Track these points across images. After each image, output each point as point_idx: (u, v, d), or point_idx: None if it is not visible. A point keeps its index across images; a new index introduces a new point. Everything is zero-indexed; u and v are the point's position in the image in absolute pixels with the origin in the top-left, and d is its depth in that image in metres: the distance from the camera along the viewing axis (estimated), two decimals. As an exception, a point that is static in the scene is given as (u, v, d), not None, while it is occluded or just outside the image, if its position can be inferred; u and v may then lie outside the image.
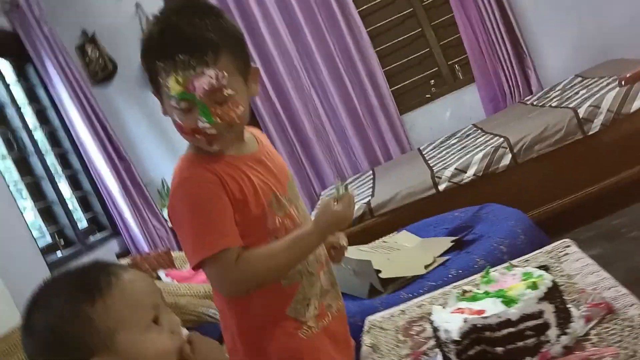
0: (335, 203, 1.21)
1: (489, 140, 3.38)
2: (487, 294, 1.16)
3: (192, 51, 1.12)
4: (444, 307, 1.18)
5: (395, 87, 4.58)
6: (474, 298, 1.16)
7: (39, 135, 3.93)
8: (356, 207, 3.21)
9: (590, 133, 3.00)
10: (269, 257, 1.19)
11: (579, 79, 3.89)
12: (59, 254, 3.46)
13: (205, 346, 0.91)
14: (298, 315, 1.25)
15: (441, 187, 3.14)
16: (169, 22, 1.16)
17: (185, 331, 0.92)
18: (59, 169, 4.03)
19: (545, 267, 1.32)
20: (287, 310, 1.24)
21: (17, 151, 3.56)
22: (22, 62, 4.06)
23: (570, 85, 3.87)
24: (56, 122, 4.11)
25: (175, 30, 1.14)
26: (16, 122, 3.60)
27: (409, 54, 4.59)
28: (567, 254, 1.44)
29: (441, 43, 4.57)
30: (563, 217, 2.93)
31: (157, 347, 0.87)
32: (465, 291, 1.21)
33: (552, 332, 1.04)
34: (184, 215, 1.18)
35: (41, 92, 4.10)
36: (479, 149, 3.25)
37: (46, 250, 3.31)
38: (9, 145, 3.53)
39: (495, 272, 1.22)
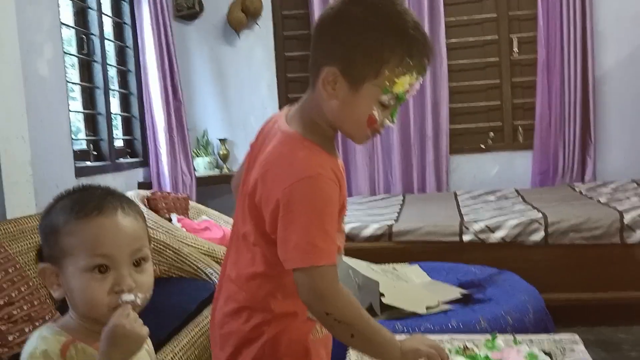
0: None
1: (526, 210, 3.35)
2: (487, 358, 1.16)
3: (432, 59, 1.14)
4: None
5: (455, 126, 4.56)
6: (473, 358, 1.17)
7: (110, 47, 4.00)
8: (377, 227, 3.23)
9: (629, 242, 2.96)
10: (358, 310, 1.11)
11: (635, 185, 3.84)
12: (88, 162, 3.52)
13: (128, 329, 0.87)
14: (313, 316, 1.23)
15: (465, 238, 3.13)
16: (414, 21, 1.12)
17: (131, 298, 0.90)
18: (116, 84, 4.10)
19: (549, 355, 1.32)
20: (308, 312, 1.18)
21: (85, 54, 3.62)
22: (118, -27, 4.14)
23: (623, 188, 3.82)
24: (129, 40, 4.18)
25: (426, 36, 1.13)
26: (94, 28, 3.67)
27: (479, 99, 4.58)
28: (572, 349, 1.44)
29: (514, 101, 4.54)
30: (571, 311, 2.89)
31: (84, 292, 0.90)
32: (466, 347, 1.21)
33: (539, 418, 1.04)
34: (305, 213, 1.08)
35: (125, 8, 4.17)
36: (514, 216, 3.22)
37: (78, 155, 3.37)
38: (80, 46, 3.59)
39: (501, 341, 1.22)
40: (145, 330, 0.90)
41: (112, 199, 0.94)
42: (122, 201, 0.95)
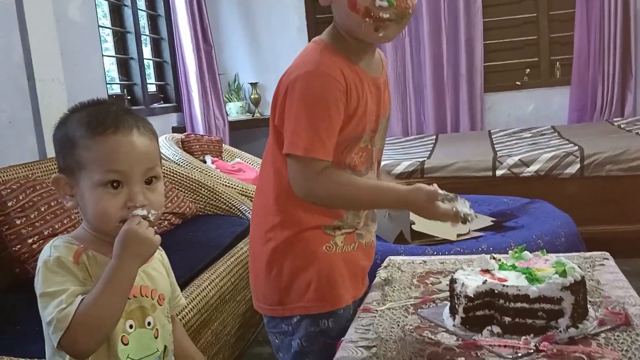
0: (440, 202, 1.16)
1: (562, 144, 3.29)
2: (513, 267, 1.17)
3: None
4: (470, 268, 1.20)
5: (489, 63, 4.46)
6: (501, 267, 1.18)
7: (139, -8, 4.01)
8: (409, 164, 3.22)
9: (667, 172, 2.89)
10: (350, 188, 1.19)
11: (677, 118, 3.72)
12: (122, 107, 3.58)
13: (141, 233, 0.90)
14: (329, 230, 1.27)
15: (499, 173, 3.10)
16: None
17: (143, 213, 0.91)
18: (148, 29, 4.12)
19: (578, 266, 1.32)
20: (323, 226, 1.25)
21: (116, 0, 3.64)
22: None
23: (665, 121, 3.71)
24: (159, -15, 4.17)
25: None
26: (123, -28, 3.68)
27: (515, 35, 4.45)
28: (603, 264, 1.44)
29: (551, 35, 4.40)
30: (608, 243, 2.84)
31: (97, 206, 0.91)
32: (494, 257, 1.22)
33: (564, 322, 1.05)
34: (300, 103, 1.14)
35: (154, -48, 4.15)
36: (549, 149, 3.17)
37: (113, 100, 3.44)
38: (110, -10, 3.62)
39: (528, 252, 1.23)
40: (157, 237, 0.92)
41: (128, 117, 0.95)
42: (137, 120, 0.96)
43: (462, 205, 1.19)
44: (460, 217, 1.17)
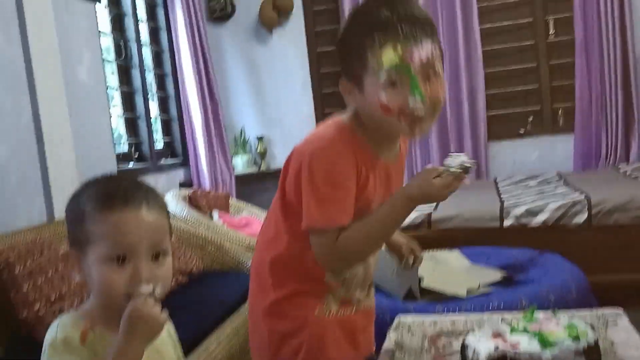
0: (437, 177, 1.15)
1: (568, 193, 3.29)
2: (525, 330, 1.15)
3: (415, 22, 1.12)
4: (479, 329, 1.18)
5: (492, 112, 4.50)
6: (512, 330, 1.16)
7: (147, 52, 4.10)
8: (416, 215, 3.22)
9: (676, 219, 2.88)
10: (363, 233, 1.19)
11: (683, 163, 3.72)
12: (130, 164, 3.62)
13: (146, 313, 0.89)
14: (323, 296, 1.28)
15: (506, 223, 3.09)
16: (387, 3, 1.15)
17: (149, 289, 0.91)
18: (154, 87, 4.20)
19: (591, 326, 1.30)
20: (318, 305, 1.27)
21: (124, 60, 3.72)
22: (152, -21, 4.24)
23: (670, 167, 3.71)
24: (165, 44, 4.27)
25: (395, 4, 1.14)
26: (131, 33, 3.77)
27: (516, 83, 4.51)
28: (616, 323, 1.41)
29: (553, 84, 4.46)
30: (619, 292, 2.82)
31: (103, 281, 0.92)
32: (504, 319, 1.21)
33: (579, 387, 1.03)
34: (316, 177, 1.16)
35: (160, 12, 4.26)
36: (556, 199, 3.17)
37: (120, 158, 3.47)
38: (118, 52, 3.70)
39: (539, 314, 1.22)
40: (164, 315, 0.91)
41: (138, 192, 0.96)
42: (147, 195, 0.97)
43: (454, 160, 1.17)
44: (461, 174, 1.17)
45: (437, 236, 3.16)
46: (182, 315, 2.23)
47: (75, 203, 0.96)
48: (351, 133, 1.20)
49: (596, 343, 1.08)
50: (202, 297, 2.45)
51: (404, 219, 1.23)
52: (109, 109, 3.34)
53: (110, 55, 3.65)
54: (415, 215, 3.24)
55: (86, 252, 0.92)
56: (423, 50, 1.12)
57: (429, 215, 3.22)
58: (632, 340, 1.29)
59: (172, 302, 2.47)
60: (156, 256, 0.95)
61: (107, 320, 0.94)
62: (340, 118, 1.25)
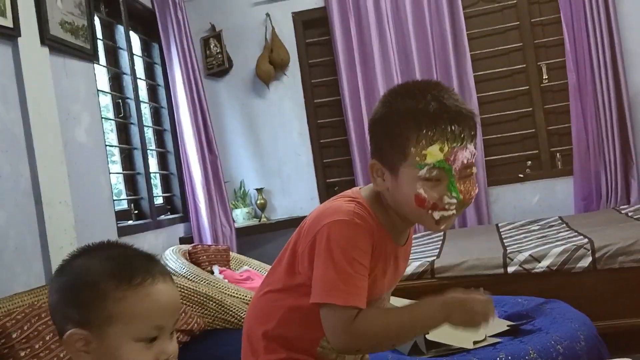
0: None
1: (571, 237, 3.26)
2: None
3: (462, 121, 1.13)
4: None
5: (490, 158, 4.52)
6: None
7: (145, 109, 4.15)
8: (419, 264, 3.19)
9: (682, 261, 2.84)
10: (386, 321, 1.16)
11: (684, 202, 3.71)
12: (129, 222, 3.61)
13: None
14: None
15: (510, 270, 3.05)
16: (434, 95, 1.14)
17: None
18: (153, 144, 4.23)
19: (601, 381, 1.26)
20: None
21: (122, 117, 3.76)
22: (150, 39, 4.32)
23: (672, 206, 3.69)
24: (163, 101, 4.32)
25: (442, 95, 1.14)
26: (129, 92, 3.82)
27: (513, 129, 4.55)
28: (627, 374, 1.38)
29: (549, 128, 4.49)
30: (629, 337, 2.77)
31: None
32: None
33: None
34: (333, 251, 1.13)
35: (158, 70, 4.33)
36: (559, 243, 3.14)
37: (119, 215, 3.46)
38: (117, 110, 3.74)
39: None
40: None
41: (153, 264, 0.92)
42: (160, 265, 0.94)
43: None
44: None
45: (440, 285, 3.11)
46: (183, 377, 2.19)
47: (83, 278, 0.87)
48: (369, 212, 1.19)
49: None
50: (204, 356, 2.40)
51: (432, 326, 1.22)
52: (108, 166, 3.35)
53: (109, 113, 3.69)
54: (418, 263, 3.21)
55: (105, 333, 0.85)
56: (466, 152, 1.13)
57: (432, 263, 3.19)
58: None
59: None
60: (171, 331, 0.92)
61: None
62: (359, 193, 1.24)
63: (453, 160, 1.12)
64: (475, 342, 2.03)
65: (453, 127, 1.11)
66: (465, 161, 1.12)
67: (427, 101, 1.13)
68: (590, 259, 2.94)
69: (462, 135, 1.12)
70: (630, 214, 3.74)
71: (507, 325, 2.15)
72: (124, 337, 0.85)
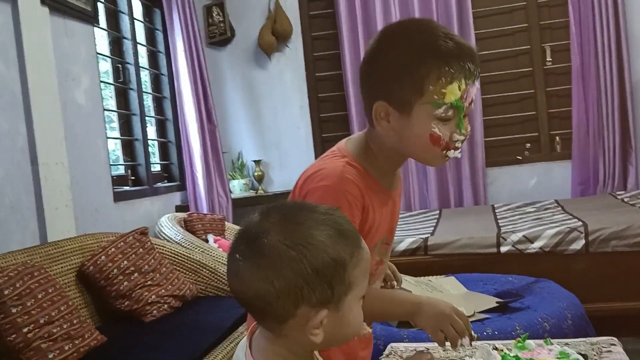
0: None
1: (566, 220, 3.28)
2: (517, 358, 1.13)
3: (474, 59, 1.12)
4: (472, 356, 1.16)
5: (490, 139, 4.51)
6: (503, 358, 1.14)
7: (145, 75, 4.12)
8: (412, 240, 3.20)
9: (674, 247, 2.86)
10: (372, 298, 1.13)
11: (680, 190, 3.71)
12: (126, 187, 3.61)
13: None
14: None
15: (503, 249, 3.07)
16: (444, 33, 1.11)
17: None
18: (152, 111, 4.21)
19: (584, 356, 1.28)
20: None
21: (122, 83, 3.74)
22: (152, 4, 4.27)
23: (668, 194, 3.70)
24: (164, 68, 4.30)
25: (453, 36, 1.12)
26: (129, 57, 3.79)
27: (514, 111, 4.53)
28: (610, 351, 1.39)
29: (550, 110, 4.47)
30: (618, 321, 2.79)
31: (360, 319, 0.85)
32: (496, 348, 1.19)
33: (571, 418, 1.01)
34: None
35: (159, 37, 4.30)
36: (553, 225, 3.15)
37: (116, 181, 3.47)
38: (116, 75, 3.72)
39: (531, 342, 1.20)
40: None
41: (344, 218, 0.86)
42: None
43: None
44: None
45: (433, 262, 3.14)
46: (175, 340, 2.21)
47: (321, 259, 0.77)
48: (358, 167, 1.18)
49: (588, 373, 1.05)
50: (195, 322, 2.42)
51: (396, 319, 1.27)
52: (106, 131, 3.34)
53: (109, 78, 3.67)
54: (412, 240, 3.22)
55: (342, 303, 0.80)
56: (474, 90, 1.13)
57: (426, 240, 3.20)
58: (627, 370, 1.27)
59: (165, 326, 2.44)
60: None
61: None
62: (346, 149, 1.22)
63: (465, 98, 1.11)
64: (463, 317, 2.04)
65: (469, 65, 1.10)
66: (473, 98, 1.13)
67: (442, 38, 1.10)
68: (583, 241, 2.95)
69: (475, 73, 1.12)
70: (626, 199, 3.75)
71: (496, 302, 2.17)
72: (355, 300, 0.82)
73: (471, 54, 1.12)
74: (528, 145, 4.52)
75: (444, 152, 1.14)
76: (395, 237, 3.43)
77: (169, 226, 3.33)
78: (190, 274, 2.88)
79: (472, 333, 1.14)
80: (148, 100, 4.14)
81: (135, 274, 2.51)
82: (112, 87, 3.68)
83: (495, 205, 4.18)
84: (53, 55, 2.75)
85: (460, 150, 1.16)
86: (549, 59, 4.46)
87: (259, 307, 0.79)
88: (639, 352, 2.72)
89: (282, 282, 0.76)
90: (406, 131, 1.14)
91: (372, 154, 1.20)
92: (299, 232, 0.78)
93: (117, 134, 3.71)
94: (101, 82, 3.37)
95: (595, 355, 1.35)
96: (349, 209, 1.13)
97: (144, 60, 4.14)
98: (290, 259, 0.76)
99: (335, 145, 1.25)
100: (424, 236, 3.26)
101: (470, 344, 1.15)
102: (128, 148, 3.80)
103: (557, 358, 1.11)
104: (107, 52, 3.65)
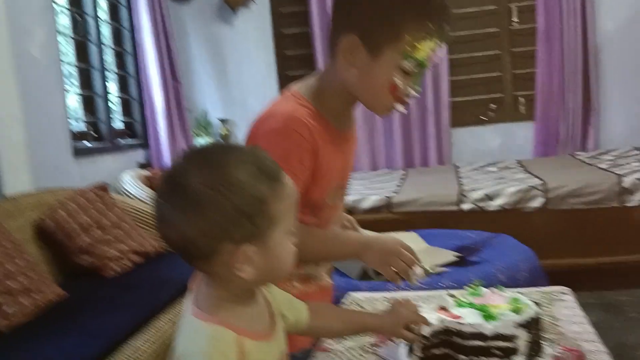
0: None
1: (526, 179, 3.34)
2: (470, 304, 1.16)
3: (449, 21, 1.11)
4: (427, 305, 1.18)
5: (455, 99, 4.53)
6: (458, 304, 1.17)
7: (106, 29, 4.00)
8: (377, 198, 3.23)
9: (628, 205, 2.94)
10: (310, 239, 1.13)
11: (636, 152, 3.81)
12: (86, 143, 3.54)
13: None
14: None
15: (464, 207, 3.12)
16: None
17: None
18: (114, 66, 4.10)
19: (535, 303, 1.31)
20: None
21: (81, 36, 3.62)
22: (113, -45, 4.13)
23: (625, 155, 3.79)
24: (125, 22, 4.17)
25: (446, 2, 1.11)
26: (89, 8, 3.66)
27: (480, 71, 4.54)
28: (561, 299, 1.43)
29: (514, 71, 4.50)
30: (572, 276, 2.87)
31: (290, 252, 0.85)
32: (452, 295, 1.21)
33: (518, 359, 1.04)
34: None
35: (120, -11, 4.17)
36: (514, 184, 3.21)
37: (76, 137, 3.39)
38: (75, 27, 3.59)
39: (485, 288, 1.22)
40: None
41: (266, 156, 0.87)
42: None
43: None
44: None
45: (397, 219, 3.18)
46: (135, 294, 2.21)
47: (239, 195, 0.78)
48: (309, 108, 1.16)
49: (537, 316, 1.08)
50: (157, 278, 2.41)
51: (345, 258, 1.30)
52: (64, 86, 3.25)
53: (67, 31, 3.55)
54: (377, 198, 3.25)
55: (267, 238, 0.81)
56: (439, 53, 1.13)
57: (390, 198, 3.23)
58: (576, 316, 1.32)
59: (126, 281, 2.43)
60: None
61: (240, 313, 0.85)
62: (298, 92, 1.19)
63: (431, 58, 1.11)
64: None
65: (446, 27, 1.10)
66: (436, 60, 1.15)
67: None
68: (542, 199, 3.02)
69: (448, 36, 1.11)
70: (585, 159, 3.84)
71: (455, 256, 2.21)
72: (281, 235, 0.83)
73: (450, 16, 1.11)
74: (493, 105, 4.56)
75: (395, 103, 1.14)
76: (359, 196, 3.47)
77: (130, 183, 3.28)
78: (152, 230, 2.86)
79: (424, 265, 1.18)
80: (109, 55, 4.02)
81: (96, 230, 2.48)
82: (70, 39, 3.56)
83: (458, 165, 4.23)
84: (3, 6, 2.64)
85: (406, 106, 1.16)
86: (515, 19, 4.47)
87: (186, 248, 0.81)
88: (591, 305, 2.84)
89: (204, 222, 0.77)
90: (369, 72, 1.12)
91: (323, 96, 1.18)
92: (219, 172, 0.79)
93: (77, 89, 3.61)
94: (58, 32, 3.25)
95: (546, 303, 1.40)
96: (298, 151, 1.11)
97: (104, 13, 4.01)
98: (211, 199, 0.77)
99: (286, 88, 1.23)
100: (388, 194, 3.29)
101: (424, 274, 1.18)
102: (89, 104, 3.70)
103: (508, 303, 1.13)
104: (65, 3, 3.52)
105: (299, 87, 1.21)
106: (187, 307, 0.86)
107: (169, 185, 0.81)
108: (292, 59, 4.75)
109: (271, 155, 1.08)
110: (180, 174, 0.80)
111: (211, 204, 0.77)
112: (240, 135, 4.76)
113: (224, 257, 0.79)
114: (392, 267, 1.17)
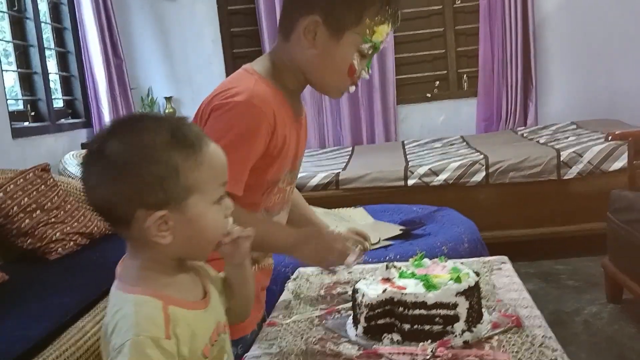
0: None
1: (469, 154, 3.43)
2: (413, 275, 1.20)
3: (401, 10, 1.16)
4: (371, 277, 1.22)
5: (401, 77, 4.59)
6: (401, 275, 1.20)
7: (43, 5, 3.85)
8: (324, 175, 3.26)
9: (565, 178, 3.07)
10: (252, 221, 1.11)
11: (574, 126, 3.96)
12: (25, 123, 3.42)
13: (244, 243, 0.91)
14: None
15: (410, 182, 3.18)
16: None
17: (230, 220, 0.90)
18: (52, 43, 3.96)
19: (476, 272, 1.37)
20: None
21: (17, 12, 3.48)
22: None
23: (563, 129, 3.94)
24: (64, -3, 4.03)
25: None
26: (24, -18, 3.53)
27: (424, 49, 4.60)
28: (500, 268, 1.50)
29: (458, 49, 4.59)
30: (512, 246, 2.98)
31: (216, 224, 0.86)
32: (394, 265, 1.25)
33: (459, 326, 1.09)
34: (222, 132, 1.08)
35: (58, -37, 4.01)
36: (457, 159, 3.29)
37: (15, 116, 3.27)
38: (10, 3, 3.45)
39: (427, 260, 1.26)
40: None
41: (192, 124, 0.88)
42: (197, 125, 0.93)
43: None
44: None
45: (344, 195, 3.22)
46: (79, 277, 2.17)
47: (147, 161, 0.80)
48: (268, 85, 1.15)
49: (477, 284, 1.13)
50: (102, 259, 2.38)
51: (275, 252, 1.33)
52: (0, 65, 3.12)
53: (2, 7, 3.40)
54: (324, 174, 3.28)
55: (185, 206, 0.82)
56: (389, 37, 1.18)
57: (337, 175, 3.27)
58: (514, 284, 1.38)
59: (70, 264, 2.38)
60: None
61: (163, 283, 0.84)
62: (252, 69, 1.18)
63: (384, 42, 1.16)
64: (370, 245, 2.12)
65: (398, 13, 1.15)
66: (385, 44, 1.19)
67: None
68: (484, 173, 3.12)
69: (398, 21, 1.16)
70: (525, 134, 3.96)
71: (400, 230, 2.26)
72: (204, 204, 0.83)
73: (400, 2, 1.16)
74: (437, 83, 4.64)
75: (349, 85, 1.17)
76: (307, 173, 3.49)
77: (74, 163, 3.20)
78: (97, 211, 2.80)
79: (355, 249, 1.24)
80: (47, 31, 3.88)
81: (38, 212, 2.42)
82: (5, 15, 3.42)
83: (405, 142, 4.30)
84: None
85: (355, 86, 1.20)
86: (458, -3, 4.54)
87: (107, 213, 0.83)
88: (530, 274, 2.98)
89: (120, 185, 0.80)
90: (329, 53, 1.14)
91: (278, 74, 1.19)
92: (134, 139, 0.81)
93: (14, 67, 3.47)
94: (-8, 8, 3.12)
95: (486, 272, 1.46)
96: (256, 127, 1.11)
97: (40, -12, 3.85)
98: (124, 163, 0.79)
99: (241, 68, 1.21)
100: (335, 171, 3.33)
101: (359, 257, 1.24)
102: (27, 82, 3.58)
103: (449, 273, 1.18)
104: (-2, -23, 3.37)
105: (253, 65, 1.20)
106: (112, 287, 0.87)
107: (92, 152, 0.83)
108: (238, 36, 4.70)
109: (231, 126, 1.09)
110: (101, 141, 0.82)
111: (125, 169, 0.79)
112: (186, 113, 4.68)
113: (140, 223, 0.80)
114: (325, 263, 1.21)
